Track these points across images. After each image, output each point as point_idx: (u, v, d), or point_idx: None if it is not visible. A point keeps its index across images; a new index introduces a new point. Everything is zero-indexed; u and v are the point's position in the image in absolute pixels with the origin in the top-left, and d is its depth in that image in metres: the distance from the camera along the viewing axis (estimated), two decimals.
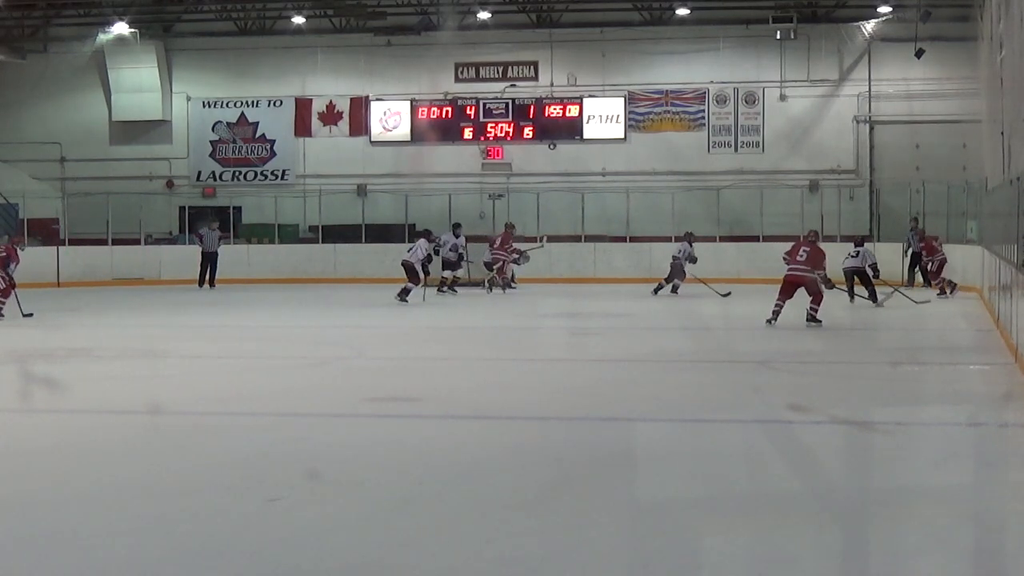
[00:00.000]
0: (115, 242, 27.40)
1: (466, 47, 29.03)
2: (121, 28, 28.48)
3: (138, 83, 29.92)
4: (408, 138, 29.75)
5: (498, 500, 6.15)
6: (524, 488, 6.42)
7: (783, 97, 28.68)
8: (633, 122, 29.08)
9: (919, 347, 14.02)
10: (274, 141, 30.31)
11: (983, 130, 21.48)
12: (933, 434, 8.22)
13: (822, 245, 15.76)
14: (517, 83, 29.35)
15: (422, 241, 20.55)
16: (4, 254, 17.04)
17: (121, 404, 9.48)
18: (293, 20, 28.86)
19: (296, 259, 27.64)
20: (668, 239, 25.00)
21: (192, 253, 25.93)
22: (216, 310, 20.04)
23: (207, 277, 25.00)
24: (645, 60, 28.93)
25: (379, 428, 8.50)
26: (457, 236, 22.81)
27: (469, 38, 28.69)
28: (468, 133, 29.47)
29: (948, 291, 21.09)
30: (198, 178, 30.57)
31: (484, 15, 27.92)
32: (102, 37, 29.13)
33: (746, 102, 28.78)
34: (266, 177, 30.26)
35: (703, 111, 28.90)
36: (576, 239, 27.07)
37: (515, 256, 23.16)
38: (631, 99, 29.02)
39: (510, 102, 29.31)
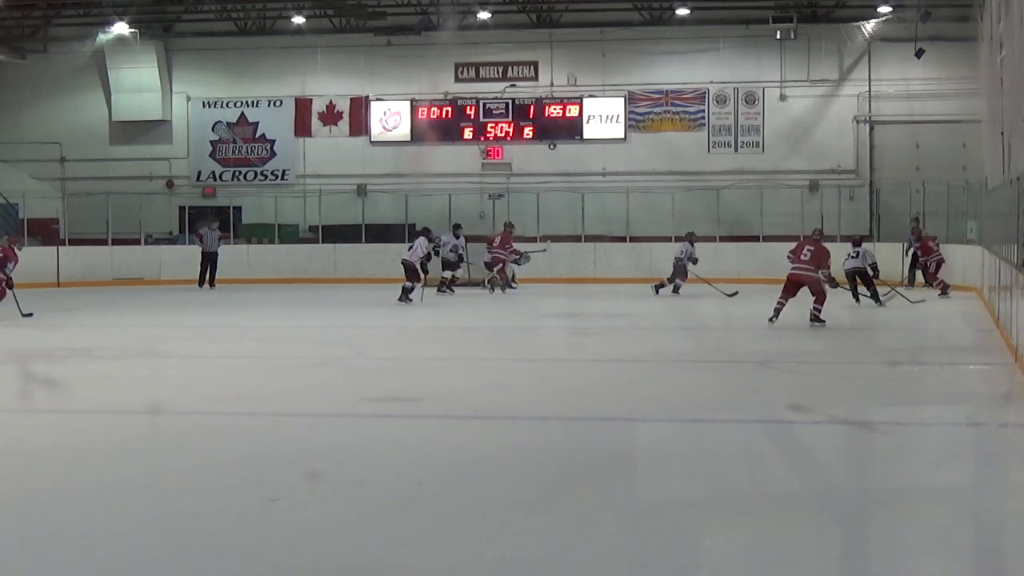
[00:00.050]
0: (115, 242, 27.39)
1: (466, 47, 29.03)
2: (121, 28, 28.48)
3: (138, 83, 29.93)
4: (408, 138, 29.76)
5: (498, 500, 6.15)
6: (524, 488, 6.42)
7: (783, 97, 28.68)
8: (633, 122, 29.07)
9: (919, 347, 14.02)
10: (274, 141, 30.31)
11: (983, 130, 21.47)
12: (933, 434, 8.23)
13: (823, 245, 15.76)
14: (517, 83, 29.35)
15: (421, 239, 20.45)
16: (1, 255, 17.02)
17: (121, 404, 9.48)
18: (293, 20, 28.86)
19: (296, 259, 27.62)
20: (668, 239, 25.01)
21: (192, 253, 25.91)
22: (216, 310, 20.03)
23: (207, 277, 24.98)
24: (645, 60, 28.92)
25: (379, 428, 8.50)
26: (457, 237, 22.84)
27: (469, 38, 28.69)
28: (468, 133, 29.47)
29: (945, 291, 21.10)
30: (198, 178, 30.57)
31: (484, 15, 27.92)
32: (102, 37, 29.14)
33: (746, 102, 28.77)
34: (266, 177, 30.26)
35: (703, 111, 28.90)
36: (576, 239, 27.05)
37: (515, 256, 23.16)
38: (631, 99, 29.02)
39: (510, 102, 29.30)
